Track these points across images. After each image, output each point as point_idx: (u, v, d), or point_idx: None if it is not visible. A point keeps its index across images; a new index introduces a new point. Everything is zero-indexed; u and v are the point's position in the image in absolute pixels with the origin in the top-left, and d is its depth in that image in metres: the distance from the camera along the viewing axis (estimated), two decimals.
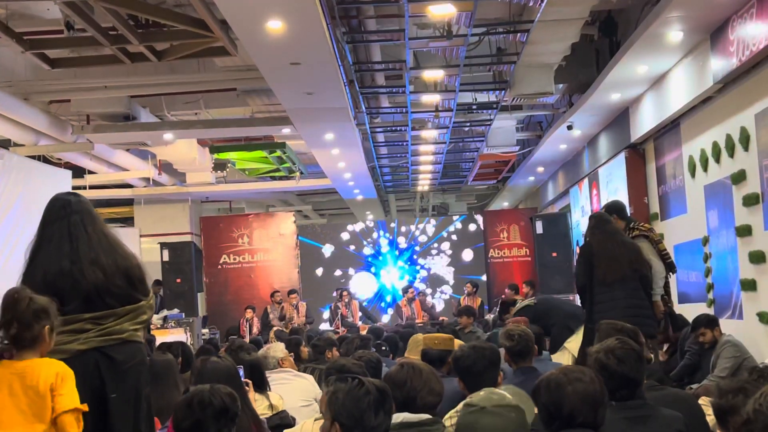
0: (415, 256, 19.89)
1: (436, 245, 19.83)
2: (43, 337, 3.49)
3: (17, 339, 3.48)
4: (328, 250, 20.61)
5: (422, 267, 19.91)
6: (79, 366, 3.59)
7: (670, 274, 7.87)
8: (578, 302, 7.91)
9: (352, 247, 20.02)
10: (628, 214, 8.26)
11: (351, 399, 3.09)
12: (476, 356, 4.48)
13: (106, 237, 4.03)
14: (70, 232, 3.93)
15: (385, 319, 18.59)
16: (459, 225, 19.78)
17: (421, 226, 20.20)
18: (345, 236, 20.06)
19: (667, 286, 7.82)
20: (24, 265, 3.95)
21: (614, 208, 8.12)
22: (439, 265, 19.84)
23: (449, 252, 19.69)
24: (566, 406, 3.39)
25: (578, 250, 8.38)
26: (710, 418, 4.17)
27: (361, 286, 20.07)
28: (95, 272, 3.86)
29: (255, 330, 15.55)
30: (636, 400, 3.86)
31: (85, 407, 3.45)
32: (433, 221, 20.14)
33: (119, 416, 3.74)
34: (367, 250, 20.01)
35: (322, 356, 8.00)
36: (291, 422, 5.31)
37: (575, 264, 8.62)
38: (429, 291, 19.74)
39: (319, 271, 19.96)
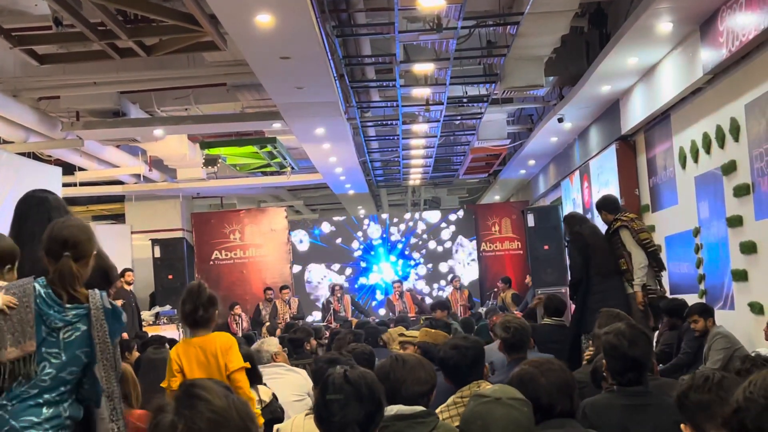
0: (407, 251, 19.84)
1: (431, 238, 19.75)
2: (214, 318, 4.80)
3: (199, 320, 4.77)
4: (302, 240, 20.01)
5: (418, 263, 19.83)
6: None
7: (654, 264, 8.00)
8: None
9: (339, 240, 19.95)
10: (618, 207, 8.41)
11: (321, 389, 3.09)
12: (459, 356, 4.47)
13: None
14: (49, 211, 3.94)
15: (382, 312, 18.54)
16: (454, 217, 19.76)
17: (416, 216, 20.16)
18: (330, 228, 19.98)
19: (658, 274, 7.94)
20: None
21: (602, 203, 8.38)
22: (439, 258, 19.80)
23: (448, 246, 19.60)
24: (544, 398, 3.42)
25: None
26: None
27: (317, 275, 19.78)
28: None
29: (245, 325, 15.53)
30: (639, 387, 3.87)
31: (248, 365, 4.75)
32: (426, 216, 20.09)
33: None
34: (355, 244, 19.92)
35: (300, 349, 8.04)
36: (281, 416, 5.31)
37: (569, 257, 8.76)
38: (426, 287, 19.69)
39: (311, 267, 19.88)
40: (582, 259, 7.95)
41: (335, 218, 20.59)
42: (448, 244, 19.66)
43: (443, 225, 19.76)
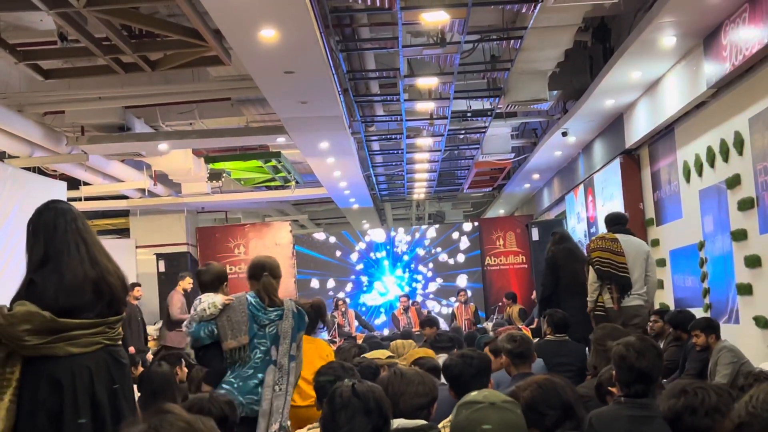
0: (412, 265, 19.81)
1: (440, 251, 19.67)
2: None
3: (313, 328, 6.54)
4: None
5: (428, 279, 19.69)
6: (99, 361, 3.81)
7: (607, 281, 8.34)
8: None
9: (339, 253, 19.93)
10: (608, 223, 8.83)
11: (328, 402, 3.09)
12: (464, 365, 4.49)
13: (102, 246, 4.06)
14: (83, 239, 3.94)
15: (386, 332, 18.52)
16: (457, 234, 19.70)
17: (421, 230, 20.10)
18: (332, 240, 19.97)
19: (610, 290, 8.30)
20: (32, 270, 3.88)
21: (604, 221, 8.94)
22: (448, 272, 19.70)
23: (461, 259, 19.50)
24: (549, 418, 3.42)
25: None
26: None
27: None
28: (113, 278, 3.93)
29: None
30: (646, 398, 3.87)
31: None
32: (433, 230, 20.02)
33: (125, 405, 3.91)
34: (354, 256, 19.84)
35: None
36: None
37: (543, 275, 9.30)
38: (436, 304, 19.61)
39: (315, 283, 19.82)
40: (551, 278, 8.68)
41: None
42: (461, 257, 19.51)
43: (455, 235, 19.58)
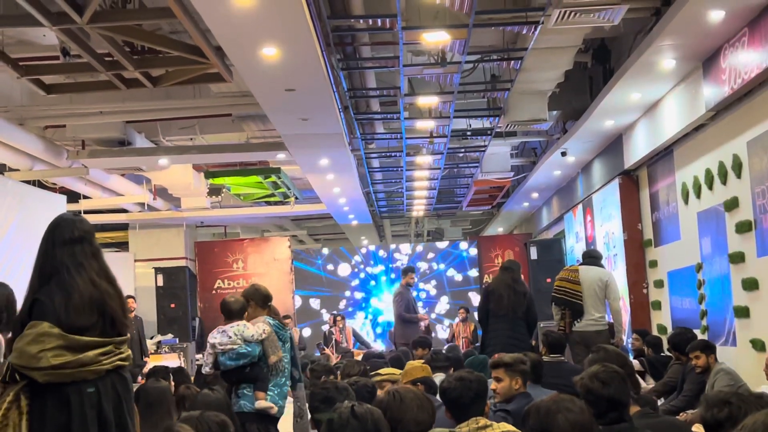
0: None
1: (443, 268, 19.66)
2: None
3: None
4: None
5: (432, 300, 19.62)
6: (106, 380, 3.87)
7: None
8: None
9: (330, 267, 19.93)
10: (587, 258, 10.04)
11: (327, 423, 3.11)
12: (463, 388, 4.48)
13: (106, 266, 4.09)
14: (95, 255, 3.97)
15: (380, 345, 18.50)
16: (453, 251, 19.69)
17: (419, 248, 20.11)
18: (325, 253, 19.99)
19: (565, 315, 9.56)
20: (37, 285, 3.91)
21: (583, 254, 10.44)
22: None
23: (474, 273, 19.44)
24: None
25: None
26: None
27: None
28: (114, 302, 3.97)
29: None
30: (623, 424, 3.89)
31: None
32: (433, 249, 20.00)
33: (129, 422, 3.99)
34: (344, 269, 19.80)
35: (319, 381, 7.94)
36: None
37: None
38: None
39: (316, 303, 19.78)
40: (483, 303, 10.00)
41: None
42: (473, 272, 19.38)
43: (462, 248, 19.42)
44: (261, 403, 6.61)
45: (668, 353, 9.17)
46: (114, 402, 3.87)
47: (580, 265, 10.03)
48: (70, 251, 3.93)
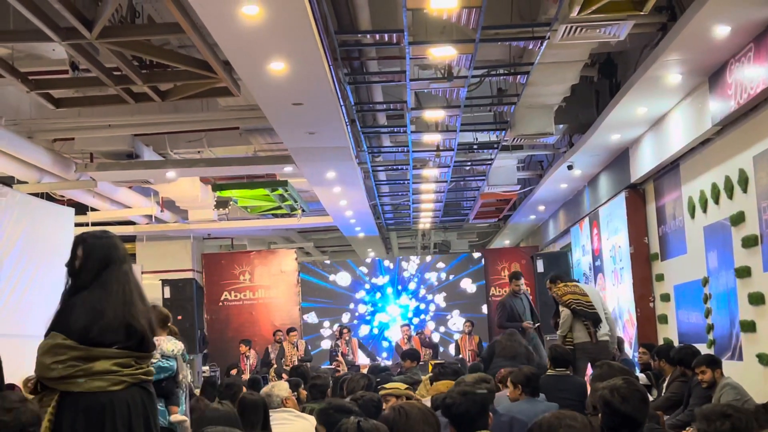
0: (420, 294, 19.79)
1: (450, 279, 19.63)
2: None
3: None
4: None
5: (441, 313, 19.55)
6: (135, 395, 3.93)
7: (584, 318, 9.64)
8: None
9: (331, 277, 19.95)
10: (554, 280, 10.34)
11: None
12: (468, 403, 4.47)
13: (140, 286, 4.20)
14: (128, 273, 4.04)
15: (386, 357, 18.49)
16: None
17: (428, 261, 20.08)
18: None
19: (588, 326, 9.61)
20: (72, 291, 3.98)
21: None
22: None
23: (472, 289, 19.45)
24: None
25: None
26: None
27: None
28: (143, 322, 4.02)
29: (252, 362, 15.55)
30: None
31: None
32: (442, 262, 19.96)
33: None
34: (343, 277, 19.78)
35: (322, 395, 7.95)
36: None
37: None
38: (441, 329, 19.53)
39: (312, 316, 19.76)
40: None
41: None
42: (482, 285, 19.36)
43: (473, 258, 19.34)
44: (176, 417, 6.70)
45: (659, 364, 9.18)
46: (143, 415, 3.93)
47: (571, 281, 10.36)
48: (111, 269, 3.99)
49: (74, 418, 3.74)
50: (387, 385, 6.63)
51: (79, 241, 4.04)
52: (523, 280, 12.78)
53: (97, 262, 3.98)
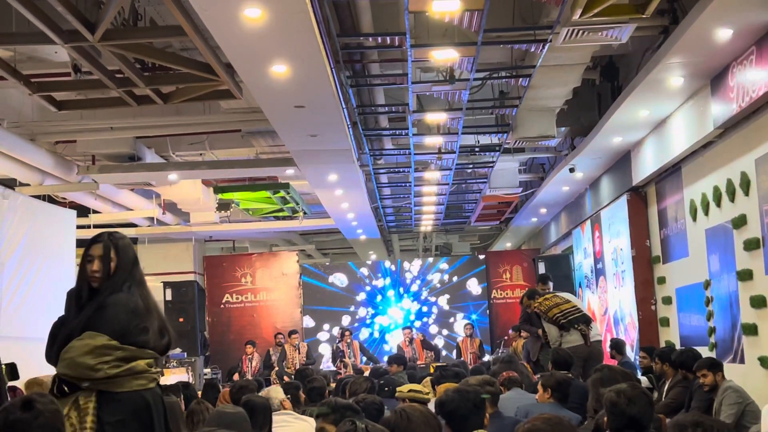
0: (422, 296, 19.79)
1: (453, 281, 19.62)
2: None
3: None
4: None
5: (444, 313, 19.53)
6: (156, 395, 4.03)
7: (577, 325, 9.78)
8: None
9: (330, 279, 19.96)
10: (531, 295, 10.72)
11: None
12: (461, 400, 4.48)
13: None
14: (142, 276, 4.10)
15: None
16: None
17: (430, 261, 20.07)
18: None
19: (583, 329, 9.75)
20: (127, 284, 4.09)
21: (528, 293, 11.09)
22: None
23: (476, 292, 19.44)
24: None
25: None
26: None
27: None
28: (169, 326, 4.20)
29: (255, 364, 15.55)
30: None
31: None
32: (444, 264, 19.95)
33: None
34: (340, 278, 19.77)
35: (320, 397, 7.95)
36: None
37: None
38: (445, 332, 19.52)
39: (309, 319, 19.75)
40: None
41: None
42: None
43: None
44: None
45: (662, 367, 9.15)
46: (163, 413, 4.02)
47: (547, 293, 10.73)
48: (138, 268, 4.05)
49: (120, 417, 3.80)
50: (402, 388, 6.61)
51: (110, 243, 4.07)
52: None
53: (130, 263, 4.03)
